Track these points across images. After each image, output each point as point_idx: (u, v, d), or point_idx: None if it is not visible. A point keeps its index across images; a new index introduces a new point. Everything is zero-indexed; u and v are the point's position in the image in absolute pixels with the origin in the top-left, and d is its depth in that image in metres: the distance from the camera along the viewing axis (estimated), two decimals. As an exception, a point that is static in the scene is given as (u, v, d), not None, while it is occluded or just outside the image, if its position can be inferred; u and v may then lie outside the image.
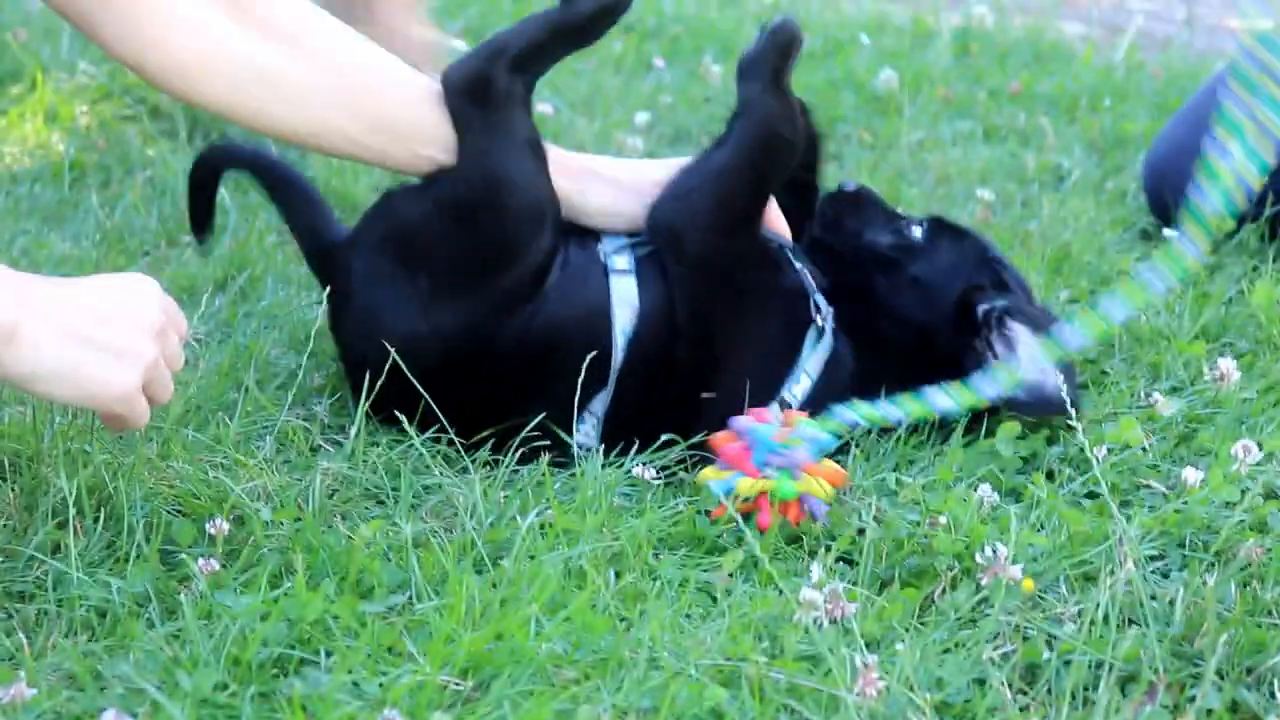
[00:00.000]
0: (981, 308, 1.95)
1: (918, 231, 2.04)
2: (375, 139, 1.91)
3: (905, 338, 1.98)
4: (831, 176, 2.94)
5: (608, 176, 1.98)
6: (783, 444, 1.79)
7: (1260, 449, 1.87)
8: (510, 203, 1.89)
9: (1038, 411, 1.93)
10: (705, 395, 1.89)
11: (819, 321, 1.96)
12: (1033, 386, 1.91)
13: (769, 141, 1.94)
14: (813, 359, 1.94)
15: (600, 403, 1.90)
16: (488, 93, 1.89)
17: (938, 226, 2.06)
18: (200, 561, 1.61)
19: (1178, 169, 2.70)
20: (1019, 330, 1.93)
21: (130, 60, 1.84)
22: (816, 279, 2.00)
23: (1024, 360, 1.92)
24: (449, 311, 1.88)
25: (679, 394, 1.90)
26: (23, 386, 1.50)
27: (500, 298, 1.88)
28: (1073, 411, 1.82)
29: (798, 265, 2.00)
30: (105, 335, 1.52)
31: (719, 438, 1.83)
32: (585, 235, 1.97)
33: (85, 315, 1.51)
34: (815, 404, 1.92)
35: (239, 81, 1.86)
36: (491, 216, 1.89)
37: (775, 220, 2.01)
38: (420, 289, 1.89)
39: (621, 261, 1.94)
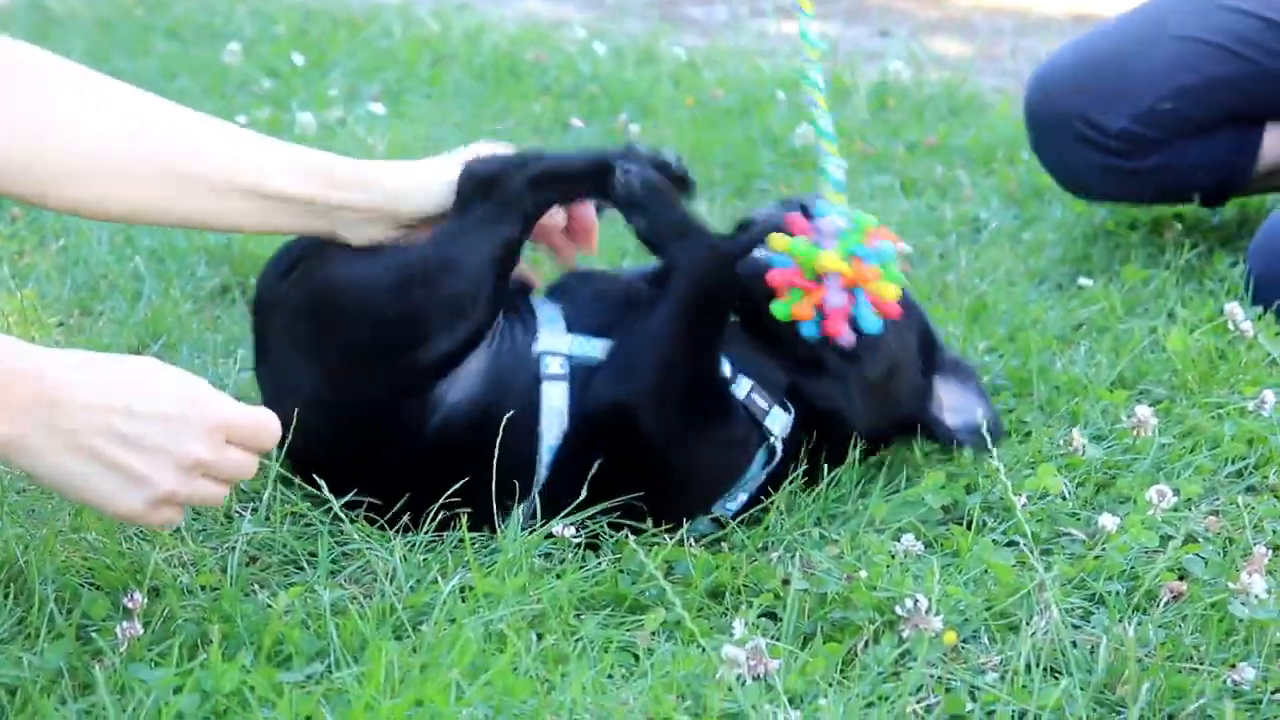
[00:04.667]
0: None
1: None
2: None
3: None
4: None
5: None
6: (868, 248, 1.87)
7: (1176, 494, 1.88)
8: (445, 286, 1.82)
9: (977, 444, 1.98)
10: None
11: (771, 441, 1.91)
12: (972, 428, 1.97)
13: (705, 298, 1.88)
14: (757, 478, 1.92)
15: (523, 510, 1.84)
16: (494, 189, 1.85)
17: None
18: (118, 629, 1.58)
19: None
20: (943, 385, 2.01)
21: None
22: (772, 376, 1.94)
23: (948, 409, 1.99)
24: (349, 383, 1.84)
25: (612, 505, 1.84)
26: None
27: (395, 378, 1.83)
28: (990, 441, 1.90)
29: (746, 393, 1.91)
30: (120, 457, 1.48)
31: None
32: (521, 329, 1.89)
33: (103, 434, 1.46)
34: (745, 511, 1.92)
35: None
36: (424, 291, 1.82)
37: None
38: (328, 355, 1.84)
39: (555, 365, 1.87)
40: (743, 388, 1.90)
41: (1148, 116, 2.76)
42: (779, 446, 1.91)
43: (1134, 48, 2.82)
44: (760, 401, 1.90)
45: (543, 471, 1.84)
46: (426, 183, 1.87)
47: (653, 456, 1.84)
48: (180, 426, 1.50)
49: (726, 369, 1.90)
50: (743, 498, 1.91)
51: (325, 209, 1.83)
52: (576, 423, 1.85)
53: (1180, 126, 2.76)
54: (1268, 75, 2.75)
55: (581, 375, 1.86)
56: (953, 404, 2.02)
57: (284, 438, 1.80)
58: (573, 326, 1.90)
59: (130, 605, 1.63)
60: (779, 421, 1.91)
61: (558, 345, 1.88)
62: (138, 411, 1.48)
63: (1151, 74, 2.77)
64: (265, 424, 1.59)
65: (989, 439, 1.92)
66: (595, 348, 1.88)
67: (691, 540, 1.85)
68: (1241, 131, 2.80)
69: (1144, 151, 2.76)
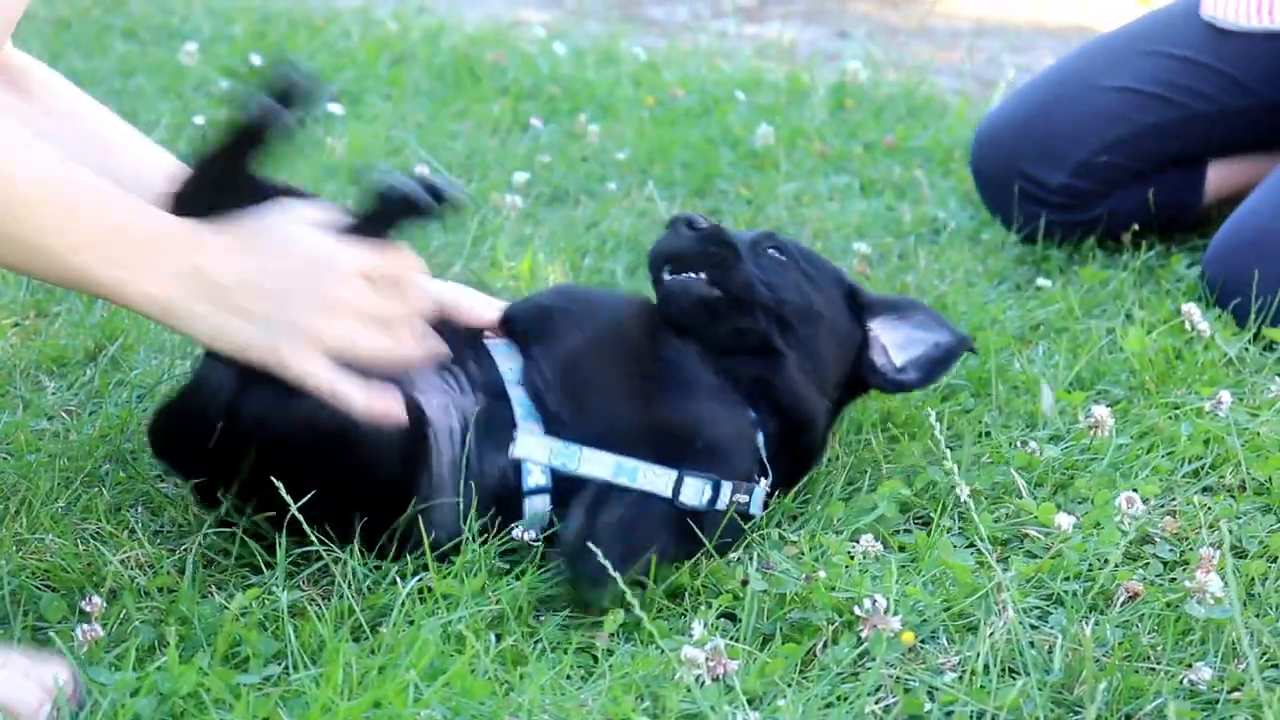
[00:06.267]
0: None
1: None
2: None
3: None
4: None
5: None
6: None
7: (1139, 494, 1.89)
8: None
9: (949, 364, 1.98)
10: None
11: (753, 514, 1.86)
12: (922, 361, 1.95)
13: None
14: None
15: None
16: None
17: (791, 257, 1.97)
18: (75, 631, 1.58)
19: (1010, 145, 2.83)
20: (881, 327, 1.98)
21: None
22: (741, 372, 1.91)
23: (904, 343, 1.96)
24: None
25: None
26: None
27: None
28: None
29: (729, 497, 1.81)
30: (261, 308, 1.62)
31: None
32: (497, 436, 1.79)
33: (247, 290, 1.62)
34: None
35: None
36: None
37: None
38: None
39: (537, 476, 1.79)
40: (724, 494, 1.80)
41: (1085, 170, 2.79)
42: (759, 512, 1.87)
43: (1063, 102, 2.83)
44: (741, 496, 1.82)
45: None
46: None
47: None
48: (321, 274, 1.65)
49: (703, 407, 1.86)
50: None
51: None
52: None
53: (1119, 176, 2.79)
54: (1199, 117, 2.77)
55: (563, 485, 1.79)
56: (898, 341, 1.97)
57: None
58: (550, 426, 1.80)
59: (87, 608, 1.63)
60: (759, 497, 1.86)
61: (536, 453, 1.79)
62: (281, 261, 1.64)
63: (1084, 127, 2.79)
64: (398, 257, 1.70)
65: (943, 366, 1.94)
66: (576, 459, 1.79)
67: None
68: (1184, 172, 2.83)
69: (1088, 203, 2.80)
